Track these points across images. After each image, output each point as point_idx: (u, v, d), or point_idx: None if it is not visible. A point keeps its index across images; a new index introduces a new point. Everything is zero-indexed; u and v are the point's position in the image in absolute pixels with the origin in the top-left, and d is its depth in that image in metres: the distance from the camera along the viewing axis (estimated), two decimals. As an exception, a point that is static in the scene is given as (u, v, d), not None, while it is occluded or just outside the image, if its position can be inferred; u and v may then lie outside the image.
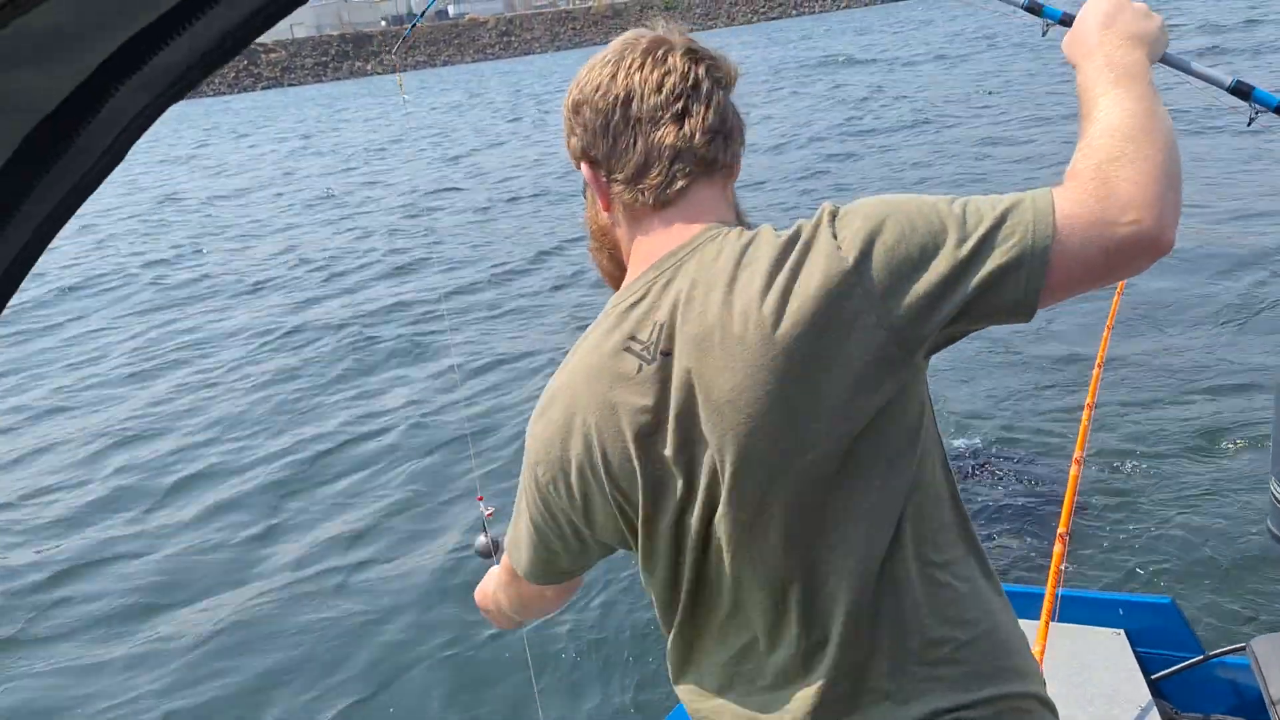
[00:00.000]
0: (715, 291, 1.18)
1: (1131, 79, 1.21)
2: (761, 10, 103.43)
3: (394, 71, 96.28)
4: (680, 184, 1.27)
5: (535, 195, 17.08)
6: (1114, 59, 1.24)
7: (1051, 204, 1.13)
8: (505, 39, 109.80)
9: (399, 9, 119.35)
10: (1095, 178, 1.12)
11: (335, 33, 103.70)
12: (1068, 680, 2.65)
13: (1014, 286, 1.13)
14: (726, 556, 1.24)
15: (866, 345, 1.14)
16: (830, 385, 1.14)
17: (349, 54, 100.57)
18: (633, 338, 1.23)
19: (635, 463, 1.23)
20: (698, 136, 1.26)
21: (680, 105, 1.25)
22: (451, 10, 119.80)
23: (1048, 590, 2.54)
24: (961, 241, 1.13)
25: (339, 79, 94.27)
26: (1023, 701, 1.24)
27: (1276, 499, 2.54)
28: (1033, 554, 4.58)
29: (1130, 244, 1.10)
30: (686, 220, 1.28)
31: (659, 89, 1.25)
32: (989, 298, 1.14)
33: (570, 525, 1.35)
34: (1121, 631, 2.83)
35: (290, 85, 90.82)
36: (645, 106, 1.25)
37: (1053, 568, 2.58)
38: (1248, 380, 6.34)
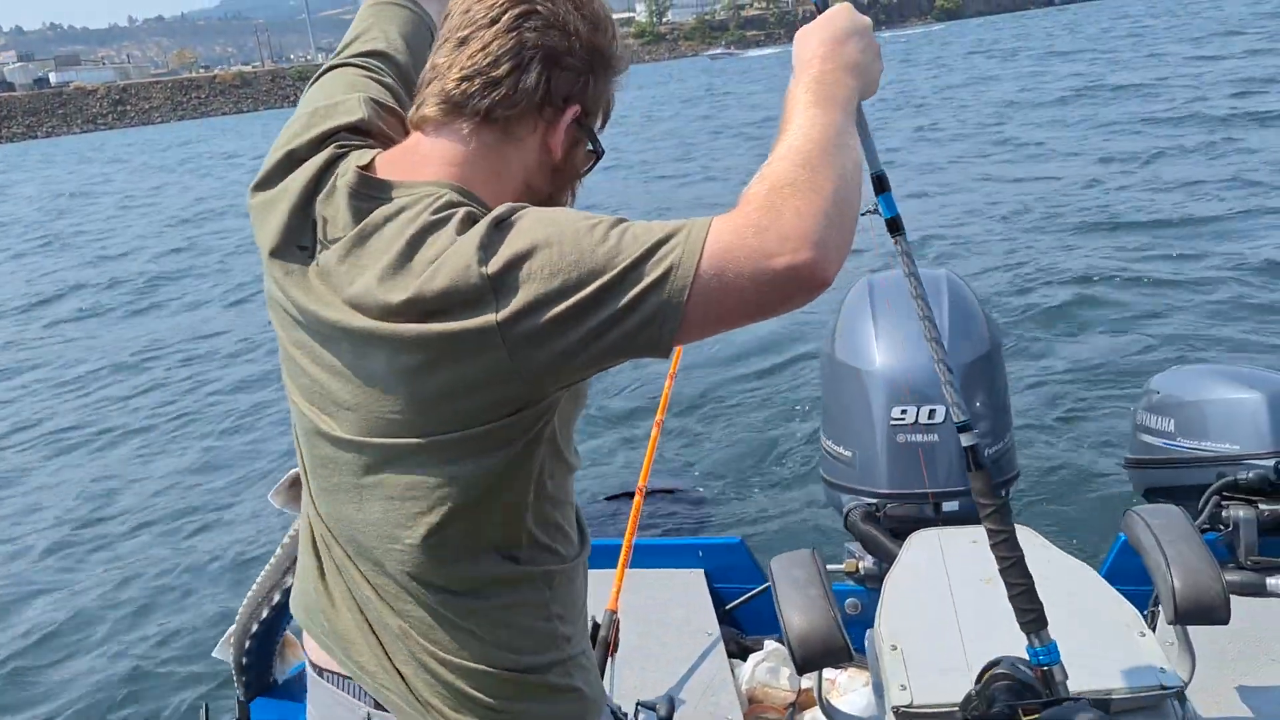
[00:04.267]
0: (387, 254, 1.14)
1: (833, 104, 1.19)
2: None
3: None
4: (426, 111, 1.24)
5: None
6: (825, 79, 1.21)
7: (704, 236, 1.08)
8: (119, 108, 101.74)
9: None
10: (761, 205, 1.08)
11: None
12: (645, 618, 2.94)
13: (648, 326, 1.08)
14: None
15: (483, 365, 1.11)
16: (430, 388, 1.14)
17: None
18: (325, 218, 1.22)
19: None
20: (453, 70, 1.22)
21: (464, 34, 1.22)
22: (54, 78, 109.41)
23: (625, 540, 2.78)
24: (603, 273, 1.08)
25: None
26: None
27: (826, 451, 3.01)
28: (618, 511, 5.06)
29: (783, 280, 1.06)
30: (436, 155, 1.23)
31: (465, 13, 1.24)
32: (621, 335, 1.09)
33: None
34: (700, 571, 3.20)
35: None
36: (448, 26, 1.25)
37: (631, 519, 2.84)
38: (802, 352, 7.43)
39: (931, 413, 2.81)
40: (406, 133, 1.31)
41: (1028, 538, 2.54)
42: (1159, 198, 11.45)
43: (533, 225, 1.12)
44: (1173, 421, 3.00)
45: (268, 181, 1.28)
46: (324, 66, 1.45)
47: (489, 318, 1.09)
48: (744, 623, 3.16)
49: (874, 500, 2.88)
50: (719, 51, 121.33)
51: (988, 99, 23.81)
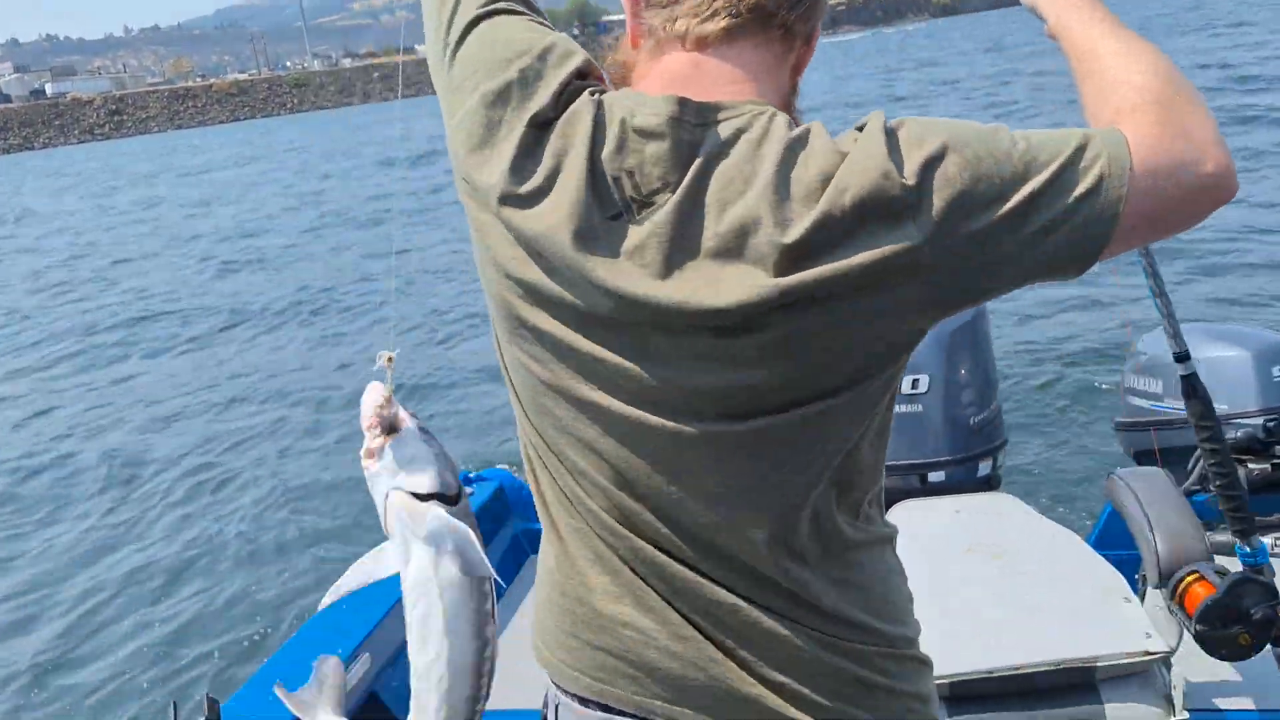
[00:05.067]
0: (752, 186, 0.97)
1: (1126, 30, 1.09)
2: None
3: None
4: (722, 22, 1.04)
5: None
6: (1097, 7, 1.12)
7: (1126, 141, 0.98)
8: (116, 118, 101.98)
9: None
10: (1162, 116, 0.99)
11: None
12: None
13: (1077, 239, 0.97)
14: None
15: (902, 291, 0.97)
16: (833, 338, 0.99)
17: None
18: (629, 171, 1.01)
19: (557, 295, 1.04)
20: None
21: None
22: (49, 89, 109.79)
23: None
24: (1027, 178, 0.96)
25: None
26: None
27: None
28: None
29: (1211, 186, 0.99)
30: (726, 73, 1.06)
31: None
32: (1052, 248, 0.97)
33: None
34: None
35: None
36: None
37: None
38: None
39: (915, 383, 2.77)
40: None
41: (1010, 506, 2.49)
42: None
43: (928, 127, 0.98)
44: (1160, 383, 2.95)
45: (527, 159, 1.05)
46: (464, 22, 1.15)
47: (912, 235, 0.94)
48: None
49: (860, 473, 2.84)
50: None
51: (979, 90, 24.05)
